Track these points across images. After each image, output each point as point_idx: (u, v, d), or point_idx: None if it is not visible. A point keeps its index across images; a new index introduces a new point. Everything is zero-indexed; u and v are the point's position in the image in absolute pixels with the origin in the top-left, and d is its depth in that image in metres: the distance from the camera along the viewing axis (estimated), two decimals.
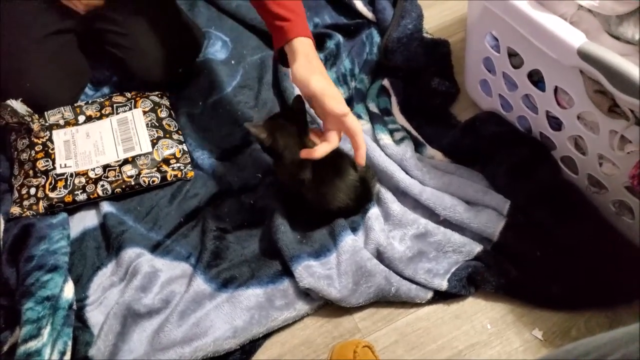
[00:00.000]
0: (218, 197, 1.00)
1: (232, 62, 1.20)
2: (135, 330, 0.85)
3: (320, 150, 0.81)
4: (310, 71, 0.80)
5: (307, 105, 0.87)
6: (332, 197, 0.90)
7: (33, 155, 1.01)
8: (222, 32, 1.24)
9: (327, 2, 1.29)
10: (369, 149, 0.98)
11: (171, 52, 1.10)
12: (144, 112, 1.07)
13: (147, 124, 1.06)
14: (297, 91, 1.12)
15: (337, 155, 0.89)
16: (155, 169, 1.01)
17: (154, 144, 1.03)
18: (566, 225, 0.87)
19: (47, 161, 1.01)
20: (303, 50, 0.81)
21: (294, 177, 0.88)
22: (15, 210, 0.97)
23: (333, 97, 0.79)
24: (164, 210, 0.99)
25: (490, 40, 0.95)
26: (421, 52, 1.12)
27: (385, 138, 1.01)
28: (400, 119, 1.08)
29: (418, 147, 1.03)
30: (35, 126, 1.03)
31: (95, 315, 0.88)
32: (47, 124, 1.05)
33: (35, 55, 1.05)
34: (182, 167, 1.03)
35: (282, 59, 0.86)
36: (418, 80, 1.10)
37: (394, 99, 1.10)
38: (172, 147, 1.04)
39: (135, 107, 1.08)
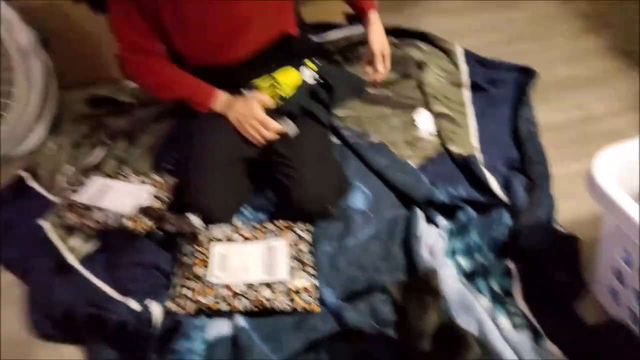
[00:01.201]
0: (336, 338, 1.08)
1: (370, 213, 1.34)
2: None
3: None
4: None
5: None
6: None
7: (194, 261, 1.21)
8: (365, 186, 1.40)
9: (464, 175, 1.40)
10: (487, 330, 1.01)
11: (327, 191, 1.29)
12: (289, 244, 1.24)
13: (289, 255, 1.22)
14: (424, 253, 1.20)
15: (455, 332, 0.95)
16: (288, 297, 1.15)
17: (291, 274, 1.18)
18: None
19: (204, 269, 1.19)
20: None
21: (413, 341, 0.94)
22: (171, 305, 1.14)
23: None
24: (287, 337, 1.09)
25: (622, 252, 0.97)
26: (550, 243, 1.16)
27: (505, 322, 1.04)
28: (521, 304, 1.09)
29: (537, 338, 1.03)
30: (201, 237, 1.25)
31: None
32: (210, 237, 1.26)
33: (216, 177, 1.29)
34: (310, 300, 1.15)
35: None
36: (543, 270, 1.13)
37: (516, 283, 1.13)
38: (305, 280, 1.18)
39: (282, 237, 1.26)
